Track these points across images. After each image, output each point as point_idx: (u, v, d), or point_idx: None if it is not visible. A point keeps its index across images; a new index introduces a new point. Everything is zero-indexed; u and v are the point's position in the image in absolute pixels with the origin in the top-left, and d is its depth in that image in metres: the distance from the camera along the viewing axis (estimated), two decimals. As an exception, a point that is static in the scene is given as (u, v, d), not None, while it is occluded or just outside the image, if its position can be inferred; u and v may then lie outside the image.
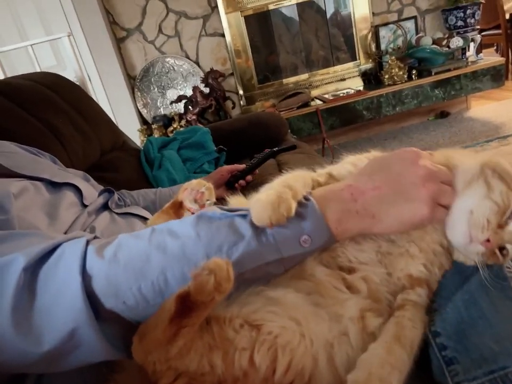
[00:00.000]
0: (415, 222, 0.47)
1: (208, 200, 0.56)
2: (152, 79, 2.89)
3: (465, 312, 0.46)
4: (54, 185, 0.74)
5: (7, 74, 2.14)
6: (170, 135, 2.74)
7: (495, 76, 2.81)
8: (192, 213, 0.55)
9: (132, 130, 2.76)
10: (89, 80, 2.72)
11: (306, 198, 0.48)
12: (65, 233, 0.64)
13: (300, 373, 0.42)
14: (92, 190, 0.84)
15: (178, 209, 0.57)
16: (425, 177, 0.47)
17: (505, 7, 3.67)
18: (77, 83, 2.32)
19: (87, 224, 0.70)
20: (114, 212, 0.79)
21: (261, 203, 0.45)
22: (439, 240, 0.52)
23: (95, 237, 0.50)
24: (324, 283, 0.49)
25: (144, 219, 0.79)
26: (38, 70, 2.36)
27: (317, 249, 0.48)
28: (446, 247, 0.53)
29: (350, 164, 0.57)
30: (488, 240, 0.47)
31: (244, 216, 0.46)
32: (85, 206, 0.76)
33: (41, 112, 1.20)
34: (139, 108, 2.92)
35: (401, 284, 0.51)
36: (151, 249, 0.44)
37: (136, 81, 2.88)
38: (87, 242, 0.46)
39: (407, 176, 0.47)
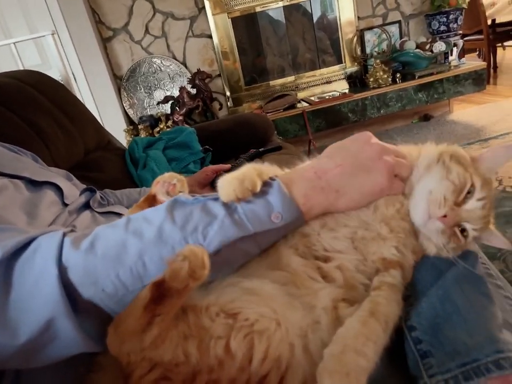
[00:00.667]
0: (375, 192, 0.52)
1: (180, 192, 0.57)
2: (139, 79, 2.88)
3: (440, 307, 0.47)
4: (35, 184, 0.73)
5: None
6: (157, 135, 2.73)
7: (477, 80, 2.88)
8: None
9: (118, 130, 2.74)
10: (75, 79, 2.69)
11: (272, 178, 0.50)
12: None
13: (277, 362, 0.42)
14: (73, 189, 0.83)
15: (152, 202, 0.58)
16: (380, 152, 0.52)
17: (487, 13, 3.77)
18: (62, 82, 2.30)
19: (67, 223, 0.69)
20: (96, 211, 0.78)
21: (227, 180, 0.48)
22: (406, 215, 0.54)
23: (72, 230, 0.50)
24: (299, 273, 0.50)
25: (127, 218, 0.79)
26: (22, 69, 2.33)
27: (289, 226, 0.50)
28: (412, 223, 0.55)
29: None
30: (445, 216, 0.50)
31: (216, 199, 0.49)
32: (66, 205, 0.75)
33: (24, 111, 1.19)
34: (125, 108, 2.90)
35: (375, 267, 0.53)
36: (128, 236, 0.45)
37: (122, 81, 2.86)
38: (63, 235, 0.46)
39: (364, 153, 0.52)
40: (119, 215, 0.80)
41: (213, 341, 0.40)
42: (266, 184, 0.49)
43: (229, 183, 0.48)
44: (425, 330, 0.47)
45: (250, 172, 0.49)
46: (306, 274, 0.50)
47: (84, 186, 0.98)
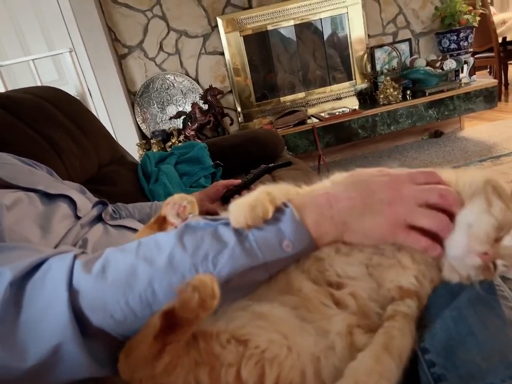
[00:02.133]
0: (376, 236, 0.49)
1: (190, 213, 0.56)
2: (152, 95, 2.94)
3: (454, 329, 0.46)
4: (49, 197, 0.75)
5: (8, 88, 2.17)
6: (169, 150, 2.77)
7: (488, 97, 2.87)
8: (176, 227, 0.55)
9: (130, 144, 2.79)
10: (90, 95, 2.76)
11: (285, 205, 0.49)
12: (57, 245, 0.65)
13: None
14: (86, 202, 0.85)
15: (162, 223, 0.58)
16: (393, 198, 0.48)
17: (498, 31, 3.78)
18: (78, 98, 2.36)
19: (79, 236, 0.70)
20: (108, 224, 0.80)
21: (238, 205, 0.48)
22: None
23: (83, 252, 0.50)
24: (311, 298, 0.49)
25: (139, 232, 0.80)
26: (39, 85, 2.41)
27: (300, 254, 0.49)
28: (436, 259, 0.53)
29: (331, 182, 0.59)
30: (486, 253, 0.48)
31: (227, 224, 0.48)
32: (78, 217, 0.76)
33: (40, 126, 1.22)
34: (138, 122, 2.96)
35: (390, 295, 0.51)
36: (138, 262, 0.45)
37: (136, 97, 2.93)
38: (74, 257, 0.46)
39: (379, 194, 0.49)
40: (131, 229, 0.81)
41: (224, 369, 0.40)
42: (279, 210, 0.49)
43: (241, 209, 0.47)
44: (439, 352, 0.46)
45: (263, 197, 0.48)
46: (319, 300, 0.49)
47: (96, 199, 1.00)
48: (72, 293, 0.43)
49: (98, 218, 0.81)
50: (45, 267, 0.45)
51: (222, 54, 2.93)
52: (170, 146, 2.78)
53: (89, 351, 0.42)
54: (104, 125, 1.62)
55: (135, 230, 0.80)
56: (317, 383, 0.43)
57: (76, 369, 0.43)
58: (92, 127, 1.48)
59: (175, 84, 2.94)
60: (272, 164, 1.37)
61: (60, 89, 1.50)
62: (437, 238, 0.50)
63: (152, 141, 2.80)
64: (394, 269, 0.51)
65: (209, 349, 0.41)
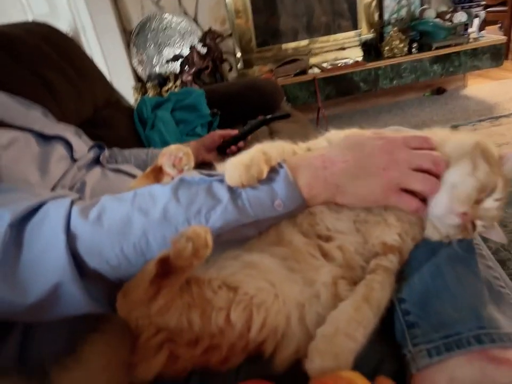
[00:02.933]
0: (369, 199, 0.51)
1: (186, 165, 0.57)
2: (149, 35, 2.81)
3: (431, 282, 0.50)
4: (44, 138, 0.74)
5: None
6: (165, 94, 2.70)
7: (495, 55, 2.79)
8: (172, 178, 0.57)
9: (126, 87, 2.71)
10: (84, 32, 2.63)
11: (280, 165, 0.50)
12: (55, 186, 0.66)
13: (273, 331, 0.45)
14: (82, 145, 0.84)
15: (158, 173, 0.59)
16: (389, 162, 0.50)
17: (514, -17, 3.58)
18: (70, 35, 2.25)
19: (77, 178, 0.71)
20: (105, 167, 0.80)
21: (234, 164, 0.49)
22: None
23: (80, 198, 0.51)
24: (300, 250, 0.52)
25: (135, 177, 0.80)
26: (30, 17, 2.28)
27: (290, 213, 0.51)
28: (420, 218, 0.56)
29: (327, 140, 0.59)
30: (465, 214, 0.50)
31: (221, 181, 0.49)
32: (74, 160, 0.76)
33: (34, 65, 1.18)
34: (134, 64, 2.85)
35: (375, 250, 0.54)
36: (134, 212, 0.46)
37: (132, 36, 2.79)
38: (72, 203, 0.47)
39: (374, 158, 0.50)
40: (128, 174, 0.81)
41: (215, 312, 0.43)
42: (274, 171, 0.50)
43: (236, 169, 0.48)
44: (415, 303, 0.49)
45: (258, 157, 0.49)
46: (307, 252, 0.52)
47: (92, 143, 0.99)
48: (70, 237, 0.44)
49: (96, 161, 0.81)
50: (43, 210, 0.47)
51: (223, -7, 2.77)
52: (166, 91, 2.71)
53: (87, 290, 0.45)
54: (98, 66, 1.57)
55: (132, 175, 0.81)
56: (300, 328, 0.47)
57: (75, 307, 0.46)
58: (87, 69, 1.44)
59: (173, 25, 2.80)
60: (270, 116, 1.36)
61: (52, 26, 1.43)
62: (423, 199, 0.52)
63: (148, 84, 2.72)
64: (380, 226, 0.54)
65: (201, 294, 0.44)
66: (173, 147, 0.59)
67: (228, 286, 0.45)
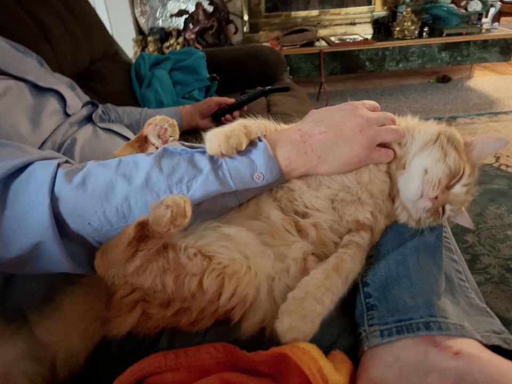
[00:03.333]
0: (353, 161, 0.54)
1: (171, 136, 0.58)
2: (154, -15, 2.70)
3: (394, 270, 0.53)
4: (38, 89, 0.73)
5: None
6: (166, 50, 2.63)
7: (504, 49, 2.75)
8: (156, 148, 0.58)
9: (126, 39, 2.63)
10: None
11: (259, 139, 0.53)
12: (46, 141, 0.65)
13: (243, 300, 0.48)
14: (76, 100, 0.83)
15: (143, 143, 0.59)
16: (363, 124, 0.54)
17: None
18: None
19: (68, 134, 0.70)
20: (97, 126, 0.79)
21: (214, 134, 0.51)
22: (385, 180, 0.58)
23: (66, 161, 0.52)
24: (276, 225, 0.54)
25: (126, 139, 0.80)
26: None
27: (270, 185, 0.53)
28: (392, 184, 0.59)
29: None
30: (436, 198, 0.54)
31: (203, 152, 0.51)
32: (67, 115, 0.76)
33: (31, 6, 1.14)
34: (136, 15, 2.75)
35: (348, 227, 0.57)
36: (117, 177, 0.47)
37: (136, -16, 2.68)
38: (58, 165, 0.48)
39: (347, 123, 0.54)
40: (119, 134, 0.81)
41: (188, 277, 0.45)
42: (254, 144, 0.52)
43: (216, 138, 0.50)
44: (376, 287, 0.53)
45: (239, 129, 0.51)
46: (283, 227, 0.54)
47: (87, 97, 0.97)
48: (53, 199, 0.45)
49: (88, 119, 0.80)
50: (30, 170, 0.47)
51: (237, -51, 2.65)
52: (168, 47, 2.63)
53: (67, 251, 0.46)
54: (99, 12, 1.51)
55: (123, 136, 0.81)
56: (268, 299, 0.49)
57: (54, 265, 0.47)
58: (86, 16, 1.38)
59: (181, -23, 2.69)
60: (269, 87, 1.34)
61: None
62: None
63: (149, 38, 2.63)
64: (354, 204, 0.57)
65: (177, 259, 0.46)
66: (158, 118, 0.59)
67: (203, 255, 0.47)
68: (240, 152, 0.51)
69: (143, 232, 0.43)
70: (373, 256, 0.57)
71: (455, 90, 2.93)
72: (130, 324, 0.46)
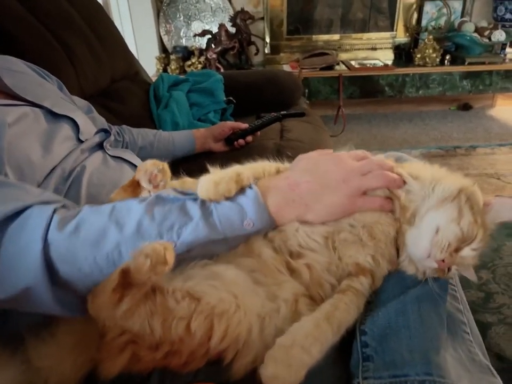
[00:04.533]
0: (338, 210, 0.55)
1: (161, 181, 0.59)
2: (180, 7, 2.77)
3: (394, 320, 0.51)
4: (53, 115, 0.75)
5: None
6: (188, 69, 2.68)
7: (528, 80, 2.71)
8: (149, 191, 0.59)
9: (149, 56, 2.70)
10: (115, -7, 2.61)
11: (251, 186, 0.54)
12: (55, 168, 0.67)
13: (235, 340, 0.47)
14: (90, 126, 0.85)
15: (136, 187, 0.61)
16: (345, 174, 0.56)
17: None
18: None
19: (78, 161, 0.72)
20: (108, 153, 0.81)
21: (205, 179, 0.52)
22: (391, 225, 0.57)
23: (64, 206, 0.53)
24: (268, 264, 0.54)
25: (135, 167, 0.81)
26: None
27: (259, 232, 0.54)
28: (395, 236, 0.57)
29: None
30: (443, 260, 0.52)
31: (195, 199, 0.52)
32: (80, 141, 0.77)
33: (56, 26, 1.18)
34: (161, 34, 2.83)
35: (348, 269, 0.56)
36: (110, 224, 0.48)
37: (163, 5, 2.76)
38: (54, 211, 0.49)
39: (331, 174, 0.56)
40: (128, 162, 0.82)
41: (175, 321, 0.45)
42: (245, 191, 0.53)
43: (206, 184, 0.52)
44: (374, 337, 0.51)
45: (230, 176, 0.52)
46: (274, 266, 0.54)
47: (103, 120, 1.00)
48: (46, 245, 0.46)
49: (99, 146, 0.81)
50: (27, 214, 0.49)
51: (262, -26, 2.71)
52: (189, 66, 2.69)
53: (57, 296, 0.47)
54: (125, 30, 1.56)
55: (132, 164, 0.82)
56: (260, 339, 0.48)
57: (44, 308, 0.48)
58: (109, 36, 1.43)
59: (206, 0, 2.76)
60: (284, 112, 1.35)
61: (83, -11, 1.42)
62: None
63: (171, 56, 2.69)
64: (355, 245, 0.55)
65: (164, 303, 0.45)
66: (148, 163, 0.60)
67: (191, 296, 0.47)
68: (231, 199, 0.52)
69: (126, 279, 0.43)
70: (372, 302, 0.55)
71: (476, 118, 2.89)
72: (120, 365, 0.46)
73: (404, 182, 0.57)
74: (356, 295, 0.53)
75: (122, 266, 0.43)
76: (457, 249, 0.52)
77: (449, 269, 0.54)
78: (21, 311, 0.51)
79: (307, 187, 0.54)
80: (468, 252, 0.53)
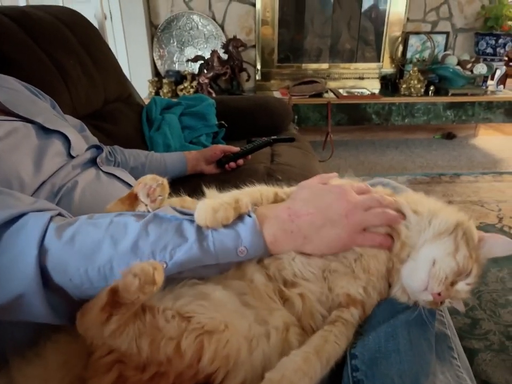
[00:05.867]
0: (338, 245, 0.55)
1: (160, 195, 0.59)
2: (174, 33, 2.84)
3: (384, 344, 0.51)
4: (45, 131, 0.75)
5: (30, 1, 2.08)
6: (180, 93, 2.73)
7: (509, 111, 2.82)
8: (146, 205, 0.59)
9: (142, 79, 2.74)
10: (111, 18, 2.67)
11: (249, 214, 0.54)
12: (44, 183, 0.67)
13: (226, 360, 0.46)
14: (81, 142, 0.85)
15: (133, 200, 0.61)
16: (348, 208, 0.55)
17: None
18: (96, 19, 2.28)
19: (69, 177, 0.72)
20: (101, 170, 0.81)
21: (203, 205, 0.52)
22: (386, 262, 0.57)
23: (59, 214, 0.53)
24: (259, 290, 0.54)
25: (127, 184, 0.81)
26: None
27: (251, 259, 0.54)
28: (389, 270, 0.57)
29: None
30: (439, 294, 0.52)
31: (192, 221, 0.52)
32: (71, 157, 0.77)
33: (52, 49, 1.20)
34: (154, 58, 2.88)
35: (339, 300, 0.56)
36: (105, 238, 0.49)
37: (157, 31, 2.83)
38: (50, 219, 0.50)
39: (334, 207, 0.55)
40: (121, 180, 0.82)
41: (164, 341, 0.44)
42: (242, 218, 0.53)
43: (204, 210, 0.51)
44: (365, 361, 0.51)
45: (228, 203, 0.52)
46: (266, 293, 0.54)
47: (95, 139, 1.00)
48: (41, 252, 0.46)
49: (92, 162, 0.82)
50: (22, 221, 0.49)
51: (254, 5, 2.80)
52: (181, 90, 2.74)
53: (49, 303, 0.47)
54: (120, 53, 1.58)
55: (125, 182, 0.82)
56: (249, 362, 0.48)
57: (35, 316, 0.48)
58: (104, 59, 1.45)
59: (199, 26, 2.84)
60: (275, 137, 1.38)
61: (78, 13, 1.45)
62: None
63: (164, 80, 2.74)
64: (347, 277, 0.56)
65: (153, 322, 0.45)
66: (148, 177, 0.60)
67: (182, 316, 0.46)
68: (227, 226, 0.52)
69: (115, 298, 0.43)
70: (363, 326, 0.55)
71: (459, 147, 2.98)
72: (106, 384, 0.45)
73: (403, 217, 0.57)
74: (346, 326, 0.53)
75: (111, 285, 0.43)
76: (452, 283, 0.53)
77: (442, 302, 0.55)
78: (12, 323, 0.50)
79: (308, 219, 0.54)
80: (462, 286, 0.53)
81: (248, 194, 0.57)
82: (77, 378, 0.48)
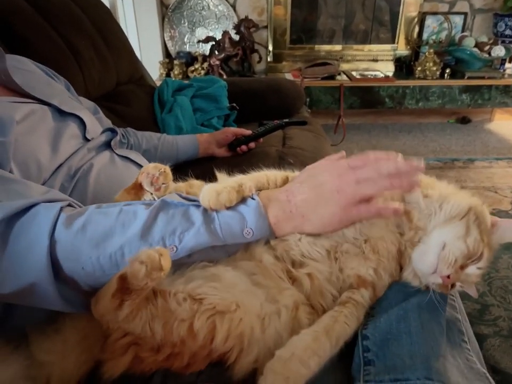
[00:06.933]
0: (334, 221, 0.55)
1: (163, 183, 0.60)
2: (185, 13, 2.80)
3: (395, 325, 0.52)
4: (61, 113, 0.76)
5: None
6: (190, 74, 2.71)
7: (527, 95, 2.75)
8: (151, 194, 0.61)
9: (153, 60, 2.72)
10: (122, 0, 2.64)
11: (253, 197, 0.55)
12: (61, 165, 0.68)
13: (239, 339, 0.48)
14: (96, 125, 0.85)
15: (139, 190, 0.62)
16: (339, 184, 0.55)
17: None
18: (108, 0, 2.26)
19: (85, 160, 0.73)
20: (115, 153, 0.82)
21: (207, 189, 0.53)
22: (397, 241, 0.57)
23: (69, 204, 0.54)
24: (268, 269, 0.55)
25: (141, 167, 0.82)
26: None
27: (258, 240, 0.56)
28: (401, 252, 0.57)
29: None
30: (448, 277, 0.53)
31: (198, 206, 0.54)
32: (87, 140, 0.78)
33: (65, 30, 1.20)
34: (165, 39, 2.86)
35: (350, 281, 0.56)
36: (116, 226, 0.50)
37: (168, 11, 2.79)
38: (61, 209, 0.51)
39: (326, 184, 0.55)
40: (135, 163, 0.83)
41: (177, 323, 0.46)
42: (246, 201, 0.55)
43: (207, 193, 0.53)
44: (376, 342, 0.52)
45: (232, 186, 0.54)
46: (275, 273, 0.55)
47: (109, 121, 1.01)
48: (52, 242, 0.48)
49: (106, 145, 0.82)
50: (33, 211, 0.50)
51: (267, -16, 2.74)
52: (192, 71, 2.71)
53: (60, 292, 0.48)
54: (130, 34, 1.58)
55: (138, 165, 0.83)
56: (262, 339, 0.49)
57: (48, 304, 0.49)
58: (116, 41, 1.45)
59: (211, 6, 2.79)
60: (287, 120, 1.37)
61: (92, -6, 1.44)
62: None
63: (175, 61, 2.72)
64: (358, 258, 0.56)
65: (166, 306, 0.47)
66: (151, 166, 0.61)
67: (193, 298, 0.48)
68: (233, 208, 0.53)
69: (124, 285, 0.44)
70: (375, 308, 0.56)
71: (474, 132, 2.92)
72: (123, 366, 0.47)
73: (414, 187, 0.55)
74: (356, 307, 0.54)
75: (120, 272, 0.45)
76: (462, 266, 0.53)
77: (453, 286, 0.55)
78: (25, 307, 0.52)
79: (302, 198, 0.55)
80: (473, 270, 0.53)
81: (253, 178, 0.58)
82: (92, 358, 0.50)
